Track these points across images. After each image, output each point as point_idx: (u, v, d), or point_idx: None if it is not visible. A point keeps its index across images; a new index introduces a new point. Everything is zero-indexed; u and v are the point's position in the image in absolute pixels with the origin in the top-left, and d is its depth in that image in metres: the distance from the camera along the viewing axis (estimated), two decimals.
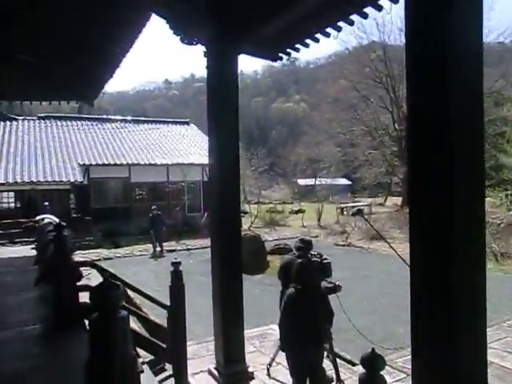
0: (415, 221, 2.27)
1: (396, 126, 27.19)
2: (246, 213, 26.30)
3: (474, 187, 2.13)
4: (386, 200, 34.74)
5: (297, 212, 27.53)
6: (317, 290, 3.67)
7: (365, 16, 4.51)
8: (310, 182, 36.03)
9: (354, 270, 11.62)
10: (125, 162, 21.04)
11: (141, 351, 4.06)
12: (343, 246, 16.30)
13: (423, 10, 2.19)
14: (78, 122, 24.36)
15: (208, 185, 5.03)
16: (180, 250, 15.92)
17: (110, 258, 14.62)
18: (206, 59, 5.19)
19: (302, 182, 39.01)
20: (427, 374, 2.27)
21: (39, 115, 23.54)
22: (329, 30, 5.01)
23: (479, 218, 2.16)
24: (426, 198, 2.18)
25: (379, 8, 4.26)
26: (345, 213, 25.15)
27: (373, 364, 1.91)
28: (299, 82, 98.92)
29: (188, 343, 5.52)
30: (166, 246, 16.37)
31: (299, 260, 3.87)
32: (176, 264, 4.58)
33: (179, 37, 5.55)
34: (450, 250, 2.07)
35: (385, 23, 27.60)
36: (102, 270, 5.28)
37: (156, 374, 4.02)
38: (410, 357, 2.36)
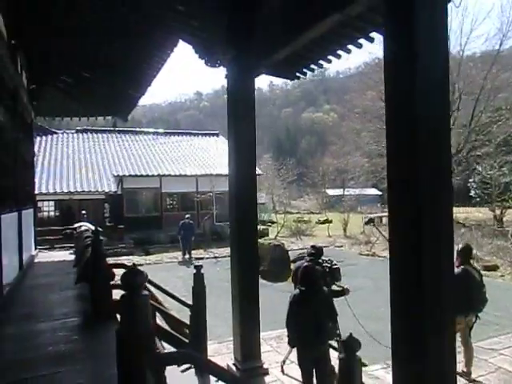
0: (393, 230, 2.65)
1: None
2: (273, 222, 26.70)
3: (442, 199, 2.49)
4: None
5: (324, 222, 27.68)
6: (320, 291, 4.04)
7: (371, 40, 4.90)
8: (338, 192, 36.02)
9: (375, 279, 11.78)
10: (156, 173, 21.95)
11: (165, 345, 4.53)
12: (367, 255, 16.44)
13: (396, 48, 2.59)
14: (113, 135, 25.57)
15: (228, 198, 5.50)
16: (208, 258, 16.46)
17: (140, 265, 15.26)
18: (226, 80, 5.69)
19: (330, 192, 39.08)
20: (403, 368, 2.65)
21: (77, 128, 24.89)
22: (340, 52, 5.42)
23: (447, 224, 2.52)
24: (400, 210, 2.56)
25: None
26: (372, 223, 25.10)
27: (350, 346, 2.29)
28: (329, 91, 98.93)
29: (210, 342, 5.98)
30: (195, 253, 16.98)
31: (304, 264, 4.27)
32: (198, 267, 5.07)
33: (203, 60, 6.11)
34: (420, 255, 2.43)
35: None
36: None
37: (178, 365, 4.46)
38: None
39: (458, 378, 5.04)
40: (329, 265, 5.00)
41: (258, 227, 22.45)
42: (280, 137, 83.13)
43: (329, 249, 18.10)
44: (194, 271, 5.12)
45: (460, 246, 5.43)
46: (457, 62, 27.17)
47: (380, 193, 43.84)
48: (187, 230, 16.64)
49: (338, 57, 5.53)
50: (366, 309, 7.80)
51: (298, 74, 6.42)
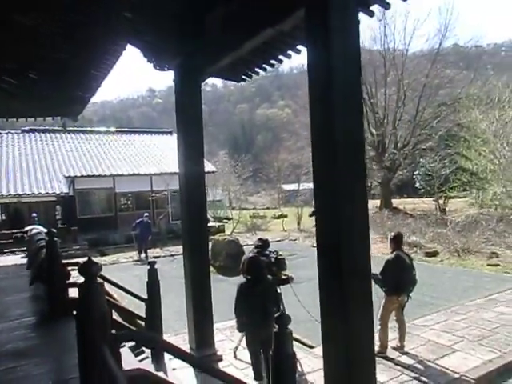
0: (318, 225, 3.07)
1: (373, 131, 28.23)
2: (229, 219, 26.99)
3: (356, 195, 2.92)
4: None
5: (279, 217, 28.34)
6: (264, 280, 4.44)
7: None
8: (293, 186, 36.85)
9: None
10: (109, 173, 21.62)
11: None
12: None
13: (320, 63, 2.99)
14: (63, 135, 24.79)
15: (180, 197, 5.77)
16: (164, 256, 16.55)
17: None
18: (174, 84, 5.93)
19: (286, 187, 39.88)
20: (329, 344, 3.10)
21: (23, 129, 23.90)
22: (281, 57, 5.82)
23: (362, 215, 2.96)
24: (323, 205, 2.98)
25: None
26: None
27: (282, 321, 2.67)
28: (283, 87, 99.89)
29: (167, 335, 6.24)
30: (151, 252, 16.98)
31: (250, 255, 4.67)
32: (152, 263, 5.34)
33: (152, 64, 6.31)
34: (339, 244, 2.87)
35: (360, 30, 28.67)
36: None
37: (136, 355, 4.70)
38: None
39: (393, 351, 5.62)
40: (274, 256, 5.42)
41: (215, 224, 22.70)
42: (235, 133, 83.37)
43: (283, 242, 18.67)
44: (148, 267, 5.37)
45: (392, 234, 6.02)
46: (401, 59, 28.62)
47: None
48: (144, 229, 16.59)
49: (280, 61, 5.92)
50: (314, 298, 8.30)
51: (243, 77, 6.76)
